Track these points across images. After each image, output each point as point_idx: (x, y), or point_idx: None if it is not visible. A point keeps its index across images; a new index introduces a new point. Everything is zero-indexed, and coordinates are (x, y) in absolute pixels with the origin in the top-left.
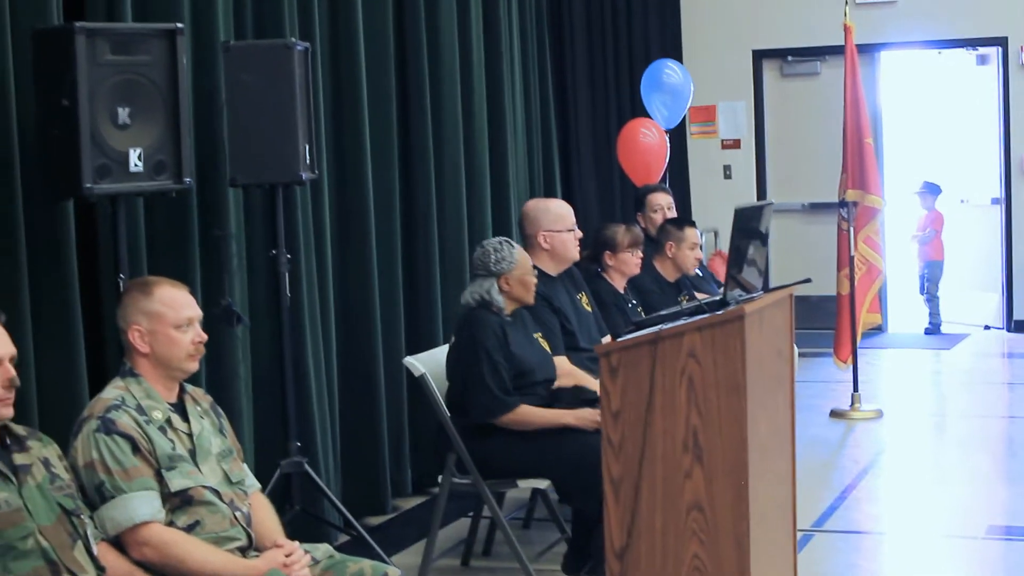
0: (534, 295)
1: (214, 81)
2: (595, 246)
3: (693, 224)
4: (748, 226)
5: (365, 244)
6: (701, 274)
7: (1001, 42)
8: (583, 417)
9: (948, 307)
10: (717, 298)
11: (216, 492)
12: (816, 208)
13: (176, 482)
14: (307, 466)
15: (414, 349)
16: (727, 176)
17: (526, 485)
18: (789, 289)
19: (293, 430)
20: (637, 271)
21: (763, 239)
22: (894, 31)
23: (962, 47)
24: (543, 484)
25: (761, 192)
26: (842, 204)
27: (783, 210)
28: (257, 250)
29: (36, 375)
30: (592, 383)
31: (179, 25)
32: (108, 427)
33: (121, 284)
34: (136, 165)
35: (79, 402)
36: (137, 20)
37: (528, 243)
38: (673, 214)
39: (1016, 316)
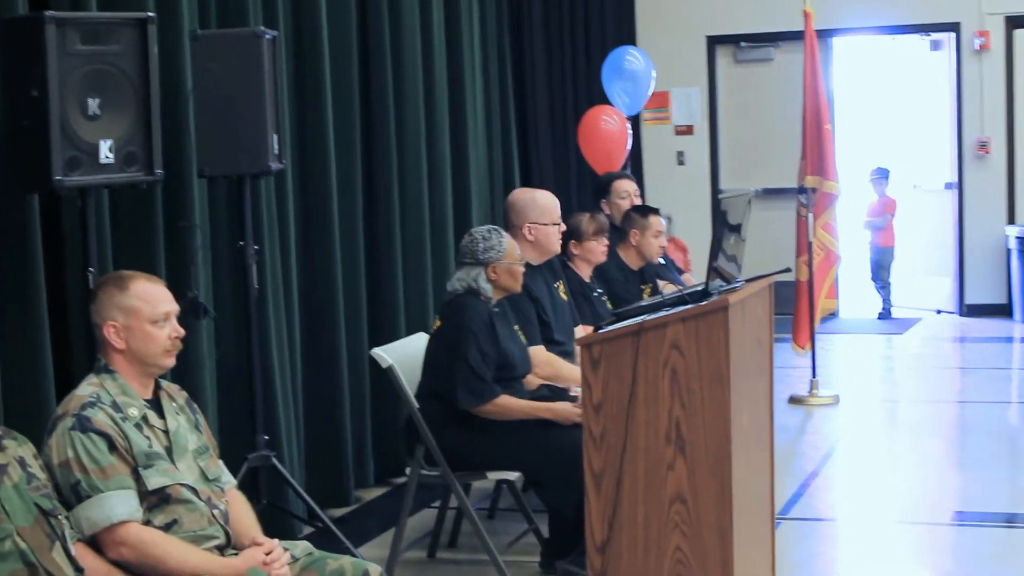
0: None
1: (179, 71)
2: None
3: (657, 212)
4: (728, 217)
5: (328, 234)
6: (664, 262)
7: (954, 27)
8: (561, 411)
9: (900, 292)
10: (699, 288)
11: (193, 490)
12: (769, 194)
13: (153, 480)
14: (275, 460)
15: (376, 339)
16: (680, 162)
17: (496, 477)
18: (769, 278)
19: (260, 424)
20: (603, 259)
21: (739, 230)
22: (848, 16)
23: (915, 33)
24: (513, 476)
25: (715, 178)
26: (801, 190)
27: (736, 196)
28: (221, 241)
29: (1, 372)
30: (570, 369)
31: (150, 14)
32: (84, 425)
33: (90, 278)
34: (107, 157)
35: (45, 399)
36: (101, 9)
37: (512, 233)
38: (639, 201)
39: (967, 300)
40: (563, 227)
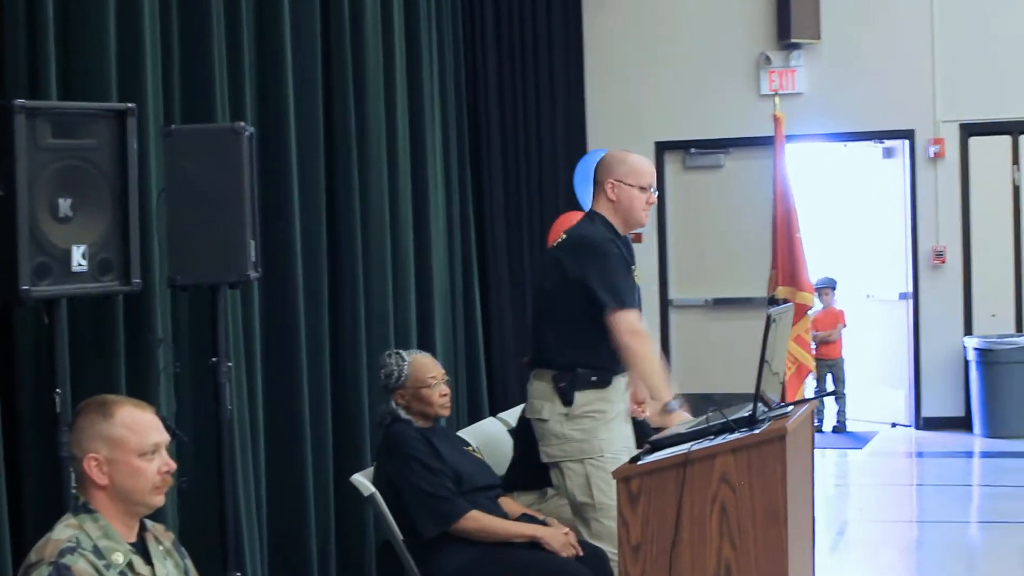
0: (447, 407)
1: (146, 169)
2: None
3: None
4: (773, 335)
5: (294, 348)
6: None
7: (908, 135)
8: (552, 537)
9: (854, 404)
10: (745, 415)
11: None
12: (720, 304)
13: None
14: None
15: (342, 462)
16: None
17: None
18: (813, 403)
19: (232, 560)
20: None
21: (778, 348)
22: (800, 123)
23: (868, 140)
24: None
25: (663, 287)
26: (771, 301)
27: (685, 306)
28: (182, 355)
29: None
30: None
31: (130, 105)
32: (62, 574)
33: (57, 401)
34: (80, 264)
35: None
36: (61, 99)
37: (595, 191)
38: None
39: (924, 413)
40: (653, 199)
